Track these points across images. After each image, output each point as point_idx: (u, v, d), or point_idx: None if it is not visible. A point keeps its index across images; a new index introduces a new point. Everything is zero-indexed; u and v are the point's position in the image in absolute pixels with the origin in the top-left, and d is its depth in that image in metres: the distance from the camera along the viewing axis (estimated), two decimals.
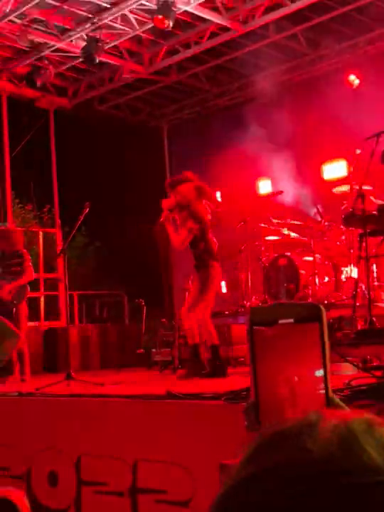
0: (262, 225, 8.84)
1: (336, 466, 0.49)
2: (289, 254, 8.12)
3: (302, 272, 7.78)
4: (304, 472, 0.49)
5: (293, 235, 8.73)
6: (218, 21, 9.51)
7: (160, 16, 8.58)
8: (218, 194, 10.90)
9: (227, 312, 8.95)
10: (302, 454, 0.50)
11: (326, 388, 0.85)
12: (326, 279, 7.94)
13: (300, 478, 0.49)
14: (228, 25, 9.57)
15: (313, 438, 0.51)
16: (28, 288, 7.98)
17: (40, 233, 11.50)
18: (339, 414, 0.55)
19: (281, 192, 9.08)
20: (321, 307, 0.89)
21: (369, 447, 0.50)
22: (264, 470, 0.50)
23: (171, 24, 8.70)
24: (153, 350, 8.94)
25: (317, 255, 7.87)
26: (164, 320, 9.59)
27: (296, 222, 8.97)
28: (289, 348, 0.88)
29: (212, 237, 6.74)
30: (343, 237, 7.94)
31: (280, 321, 0.89)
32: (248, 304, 8.76)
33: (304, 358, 0.88)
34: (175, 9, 8.67)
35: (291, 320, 0.88)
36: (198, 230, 6.59)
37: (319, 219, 8.36)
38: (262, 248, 8.80)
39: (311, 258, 7.88)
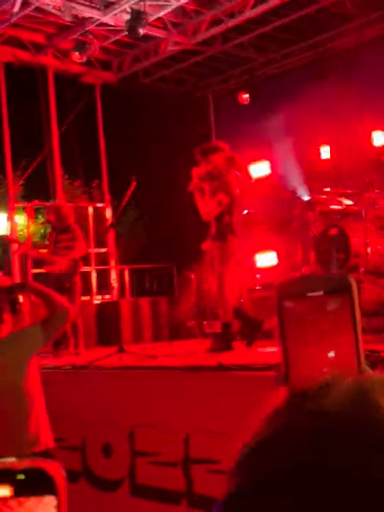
0: (308, 197, 8.73)
1: (352, 423, 0.50)
2: (339, 223, 8.00)
3: (353, 240, 7.66)
4: (321, 431, 0.50)
5: (346, 202, 8.59)
6: None
7: None
8: (267, 164, 10.78)
9: (277, 284, 8.90)
10: (319, 413, 0.51)
11: (358, 360, 0.84)
12: (379, 247, 7.81)
13: (317, 437, 0.50)
14: None
15: (329, 397, 0.52)
16: (82, 263, 8.07)
17: (90, 208, 11.59)
18: (354, 375, 0.56)
19: None
20: (351, 278, 0.86)
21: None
22: (281, 431, 0.52)
23: None
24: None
25: (369, 224, 7.73)
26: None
27: (347, 191, 8.83)
28: (320, 321, 0.86)
29: (239, 212, 6.64)
30: None
31: (309, 294, 0.86)
32: (299, 274, 8.70)
33: (336, 330, 0.85)
34: None
35: (321, 292, 0.86)
36: (227, 203, 6.47)
37: (370, 187, 8.20)
38: (313, 218, 8.69)
39: (362, 227, 7.75)
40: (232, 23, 10.29)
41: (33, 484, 0.63)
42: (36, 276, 9.79)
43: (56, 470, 0.64)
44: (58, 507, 0.64)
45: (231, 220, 6.48)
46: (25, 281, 9.43)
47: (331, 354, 0.85)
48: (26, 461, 0.64)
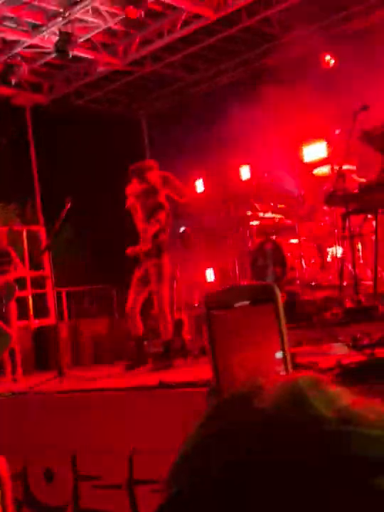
0: (247, 212, 8.83)
1: (282, 420, 0.51)
2: (274, 237, 8.13)
3: (288, 254, 7.79)
4: (252, 430, 0.50)
5: (277, 216, 8.73)
6: (190, 9, 9.46)
7: (131, 7, 8.53)
8: (200, 181, 10.86)
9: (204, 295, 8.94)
10: (251, 414, 0.52)
11: (286, 369, 0.85)
12: (312, 260, 7.96)
13: (248, 437, 0.50)
14: (200, 13, 9.52)
15: (260, 397, 0.53)
16: (16, 286, 7.95)
17: (24, 231, 11.43)
18: (285, 376, 0.56)
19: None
20: (275, 286, 0.88)
21: (315, 400, 0.52)
22: (211, 435, 0.52)
23: (143, 14, 8.65)
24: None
25: (302, 237, 7.88)
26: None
27: (279, 206, 8.98)
28: (247, 330, 0.87)
29: (171, 229, 6.74)
30: (327, 218, 7.95)
31: (236, 304, 0.87)
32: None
33: (263, 339, 0.87)
34: None
35: (247, 302, 0.86)
36: (164, 221, 6.53)
37: (302, 201, 8.36)
38: (247, 234, 8.79)
39: (296, 241, 7.89)
40: (161, 42, 10.39)
41: None
42: None
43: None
44: (2, 499, 0.64)
45: (165, 236, 6.53)
46: None
47: (259, 361, 0.86)
48: None
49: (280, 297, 0.88)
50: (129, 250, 6.66)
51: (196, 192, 10.74)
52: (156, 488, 4.06)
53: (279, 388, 0.54)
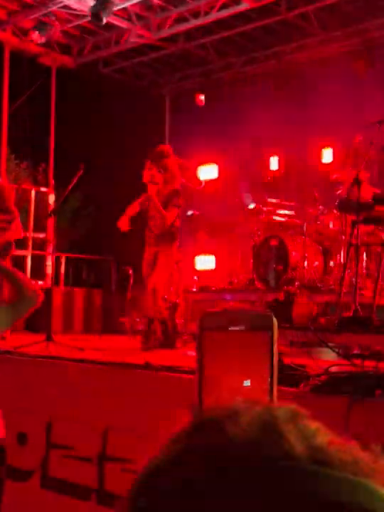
0: (254, 204, 8.77)
1: (252, 450, 0.49)
2: (280, 235, 8.07)
3: (293, 253, 7.74)
4: (220, 455, 0.49)
5: (287, 215, 8.67)
6: None
7: None
8: (215, 168, 10.78)
9: (213, 288, 8.92)
10: (222, 438, 0.50)
11: (271, 396, 0.86)
12: (316, 263, 7.90)
13: (216, 462, 0.49)
14: None
15: (234, 423, 0.51)
16: (14, 245, 7.89)
17: (33, 191, 11.38)
18: (265, 403, 0.55)
19: None
20: (273, 316, 0.89)
21: (290, 434, 0.50)
22: (180, 455, 0.51)
23: None
24: (137, 319, 8.91)
25: (308, 238, 7.82)
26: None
27: (291, 204, 8.92)
28: (238, 355, 0.88)
29: (183, 214, 6.79)
30: (332, 224, 7.91)
31: (231, 328, 0.88)
32: (236, 281, 8.74)
33: (253, 366, 0.88)
34: None
35: (243, 327, 0.88)
36: (180, 207, 6.61)
37: (315, 202, 8.29)
38: (255, 227, 8.74)
39: (302, 241, 7.83)
40: (196, 22, 10.27)
41: None
42: None
43: None
44: None
45: (179, 224, 6.61)
46: None
47: (246, 384, 0.87)
48: None
49: (277, 327, 0.88)
50: (121, 222, 6.67)
51: (209, 178, 10.67)
52: (126, 467, 4.04)
53: (255, 416, 0.52)
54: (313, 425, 0.52)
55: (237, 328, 0.88)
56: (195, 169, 6.86)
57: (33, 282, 3.84)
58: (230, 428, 0.51)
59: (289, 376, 3.64)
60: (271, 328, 0.87)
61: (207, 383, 0.86)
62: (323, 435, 0.51)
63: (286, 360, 4.34)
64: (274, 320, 0.87)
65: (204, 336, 0.88)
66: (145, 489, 0.51)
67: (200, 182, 7.12)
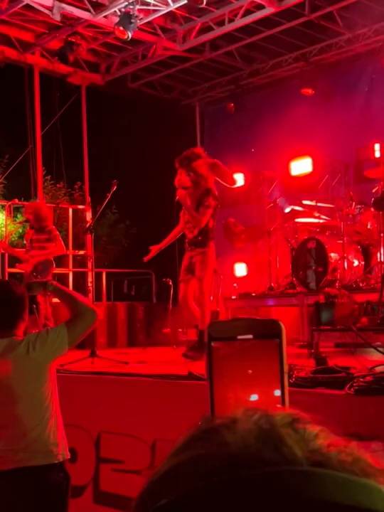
0: (293, 207, 8.72)
1: (251, 456, 0.50)
2: (318, 237, 8.00)
3: (331, 255, 7.66)
4: (219, 463, 0.50)
5: (324, 217, 8.60)
6: None
7: None
8: (241, 176, 10.70)
9: (254, 294, 8.88)
10: (220, 445, 0.51)
11: (283, 404, 0.86)
12: (356, 263, 7.82)
13: (215, 470, 0.49)
14: (263, 3, 9.40)
15: (232, 431, 0.52)
16: (54, 264, 7.99)
17: (70, 210, 11.52)
18: (264, 410, 0.55)
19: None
20: (280, 323, 0.88)
21: (288, 438, 0.50)
22: (179, 465, 0.51)
23: (205, 0, 8.56)
24: (180, 330, 8.92)
25: (347, 239, 7.74)
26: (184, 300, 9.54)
27: (327, 205, 8.84)
28: (248, 364, 0.87)
29: (218, 218, 6.71)
30: (370, 223, 7.82)
31: (239, 337, 0.88)
32: (276, 286, 8.69)
33: (263, 374, 0.87)
34: None
35: (251, 336, 0.87)
36: (214, 208, 6.48)
37: (351, 202, 8.21)
38: (292, 230, 8.69)
39: (340, 242, 7.75)
40: (221, 31, 10.29)
41: None
42: (10, 275, 9.69)
43: None
44: None
45: (213, 224, 6.50)
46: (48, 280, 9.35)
47: (255, 396, 0.86)
48: None
49: (285, 334, 0.88)
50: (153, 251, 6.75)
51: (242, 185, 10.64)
52: None
53: (253, 423, 0.52)
54: (314, 429, 0.52)
55: (245, 337, 0.88)
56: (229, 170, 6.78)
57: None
58: (228, 436, 0.51)
59: (334, 379, 3.60)
60: (279, 335, 0.86)
61: (217, 393, 0.86)
62: (323, 438, 0.52)
63: (330, 363, 4.30)
64: (282, 326, 0.87)
65: (212, 345, 0.88)
66: (147, 500, 0.51)
67: (233, 180, 7.00)
